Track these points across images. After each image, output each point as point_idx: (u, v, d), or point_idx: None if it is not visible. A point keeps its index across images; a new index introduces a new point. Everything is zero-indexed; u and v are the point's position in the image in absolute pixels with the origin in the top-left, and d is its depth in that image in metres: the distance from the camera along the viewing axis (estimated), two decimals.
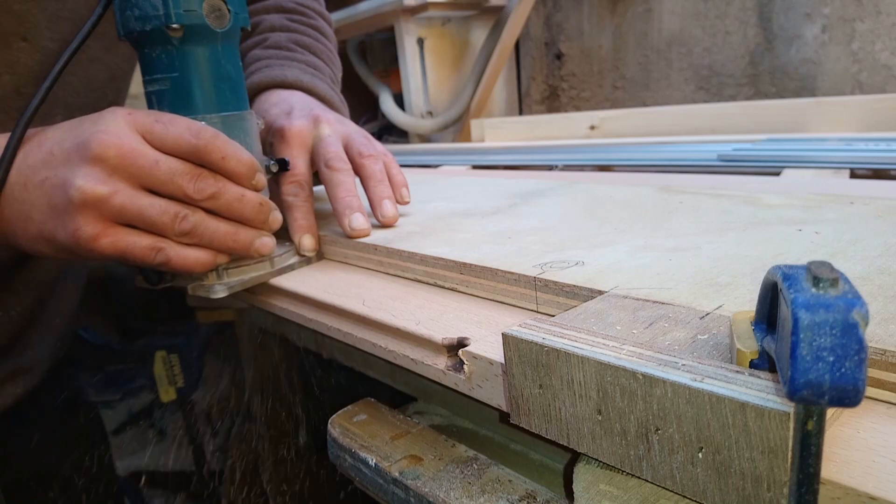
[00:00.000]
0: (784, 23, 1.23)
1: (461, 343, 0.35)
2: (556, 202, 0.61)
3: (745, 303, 0.31)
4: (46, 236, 0.44)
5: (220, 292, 0.50)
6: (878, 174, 0.70)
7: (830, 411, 0.22)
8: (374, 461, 0.39)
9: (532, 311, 0.39)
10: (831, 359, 0.18)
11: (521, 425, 0.30)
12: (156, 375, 1.34)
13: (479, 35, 1.63)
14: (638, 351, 0.25)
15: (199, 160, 0.45)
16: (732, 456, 0.22)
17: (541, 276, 0.38)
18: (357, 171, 0.57)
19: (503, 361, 0.31)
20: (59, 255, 0.46)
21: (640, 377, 0.24)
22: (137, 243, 0.44)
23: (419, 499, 0.35)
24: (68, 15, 0.54)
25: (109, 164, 0.42)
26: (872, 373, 0.26)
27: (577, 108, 1.64)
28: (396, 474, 0.37)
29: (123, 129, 0.43)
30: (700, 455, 0.23)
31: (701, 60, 1.38)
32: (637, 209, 0.54)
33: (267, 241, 0.50)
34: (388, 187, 0.57)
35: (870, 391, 0.26)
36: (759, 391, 0.21)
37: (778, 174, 0.73)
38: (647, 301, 0.33)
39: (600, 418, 0.26)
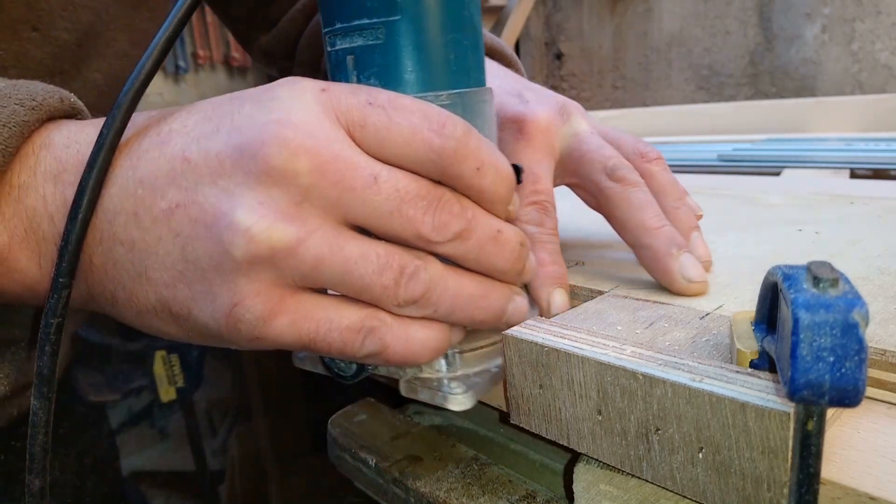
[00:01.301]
0: (784, 23, 1.23)
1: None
2: (556, 202, 0.61)
3: (745, 303, 0.31)
4: (176, 310, 0.26)
5: (464, 400, 0.30)
6: (878, 174, 0.70)
7: (830, 411, 0.22)
8: (374, 461, 0.39)
9: None
10: (831, 359, 0.18)
11: (521, 425, 0.30)
12: (156, 375, 1.34)
13: None
14: (638, 351, 0.25)
15: (439, 174, 0.26)
16: (732, 456, 0.22)
17: None
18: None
19: (503, 361, 0.31)
20: (190, 340, 0.28)
21: (641, 377, 0.24)
22: (336, 323, 0.26)
23: (419, 499, 0.35)
24: (85, 3, 0.46)
25: (299, 184, 0.24)
26: (872, 373, 0.26)
27: None
28: (396, 474, 0.37)
29: (318, 119, 0.25)
30: (700, 455, 0.23)
31: (701, 60, 1.38)
32: None
33: (521, 305, 0.30)
34: (691, 211, 0.39)
35: (870, 391, 0.26)
36: (759, 391, 0.21)
37: (778, 174, 0.73)
38: (647, 301, 0.33)
39: (600, 418, 0.26)
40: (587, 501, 0.27)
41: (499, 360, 0.32)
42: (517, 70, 0.47)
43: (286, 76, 0.28)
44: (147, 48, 0.29)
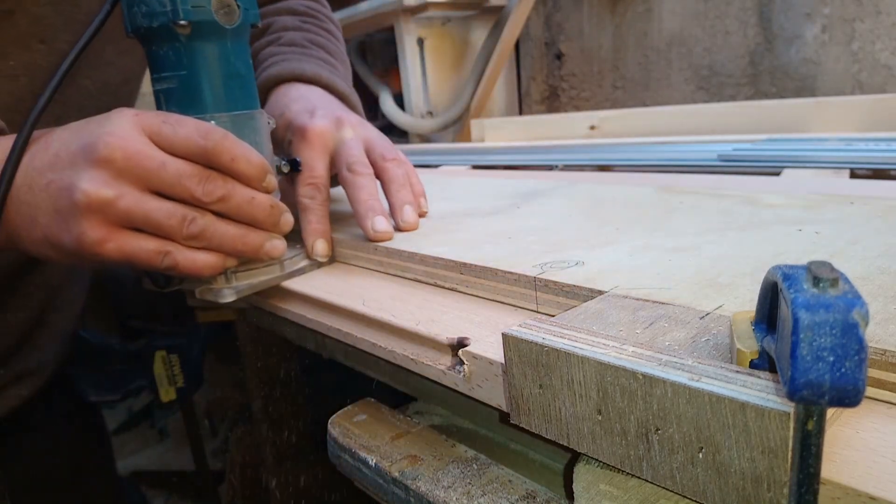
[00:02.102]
0: (784, 23, 1.23)
1: (461, 343, 0.35)
2: (556, 202, 0.61)
3: (745, 303, 0.31)
4: (51, 240, 0.43)
5: (228, 296, 0.49)
6: (878, 174, 0.70)
7: (830, 411, 0.22)
8: (374, 461, 0.39)
9: (532, 311, 0.39)
10: (831, 359, 0.18)
11: (521, 425, 0.30)
12: (156, 375, 1.34)
13: (479, 35, 1.63)
14: (638, 351, 0.25)
15: (207, 162, 0.44)
16: (732, 456, 0.22)
17: (541, 276, 0.38)
18: (379, 174, 0.56)
19: (503, 361, 0.31)
20: (64, 260, 0.45)
21: (640, 377, 0.24)
22: (144, 247, 0.43)
23: (419, 499, 0.35)
24: (83, 18, 0.54)
25: (115, 166, 0.41)
26: (872, 373, 0.26)
27: (577, 108, 1.64)
28: (396, 474, 0.37)
29: (130, 130, 0.42)
30: (700, 455, 0.23)
31: (701, 60, 1.38)
32: (637, 209, 0.54)
33: (278, 245, 0.48)
34: (409, 192, 0.56)
35: (870, 391, 0.26)
36: (759, 391, 0.21)
37: (778, 174, 0.73)
38: (647, 301, 0.33)
39: (600, 418, 0.26)
40: (587, 501, 0.27)
41: (262, 278, 0.50)
42: (344, 98, 0.64)
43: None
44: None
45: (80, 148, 0.42)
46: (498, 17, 1.53)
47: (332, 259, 0.56)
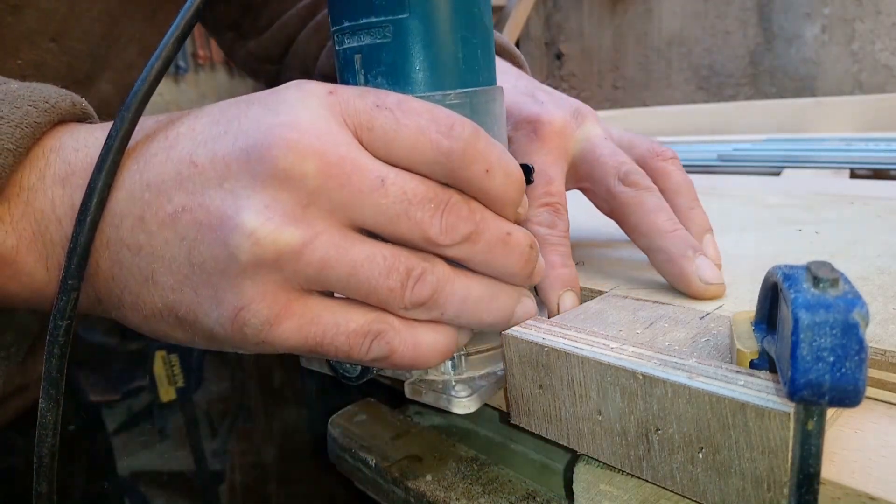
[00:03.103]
0: (784, 23, 1.24)
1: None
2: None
3: (745, 303, 0.31)
4: (182, 314, 0.26)
5: (469, 403, 0.30)
6: (878, 174, 0.70)
7: (830, 411, 0.22)
8: (374, 461, 0.39)
9: None
10: (831, 359, 0.18)
11: (521, 425, 0.30)
12: (156, 375, 1.34)
13: None
14: (638, 351, 0.25)
15: (448, 176, 0.26)
16: (732, 456, 0.22)
17: None
18: (655, 182, 0.38)
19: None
20: (197, 345, 0.28)
21: (640, 377, 0.24)
22: (342, 327, 0.26)
23: (419, 499, 0.35)
24: (98, 16, 0.48)
25: (305, 186, 0.24)
26: (872, 373, 0.26)
27: None
28: (396, 474, 0.37)
29: (325, 121, 0.25)
30: (700, 455, 0.23)
31: (701, 60, 1.38)
32: None
33: (530, 308, 0.30)
34: (705, 213, 0.38)
35: (870, 391, 0.26)
36: (759, 391, 0.21)
37: (778, 174, 0.73)
38: (647, 301, 0.33)
39: (600, 418, 0.26)
40: (587, 501, 0.27)
41: (499, 363, 0.31)
42: (525, 70, 0.47)
43: (271, 81, 0.28)
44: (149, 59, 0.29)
45: (239, 150, 0.25)
46: (498, 17, 1.53)
47: None
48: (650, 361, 0.24)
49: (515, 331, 0.29)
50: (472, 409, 0.30)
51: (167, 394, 1.35)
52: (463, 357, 0.31)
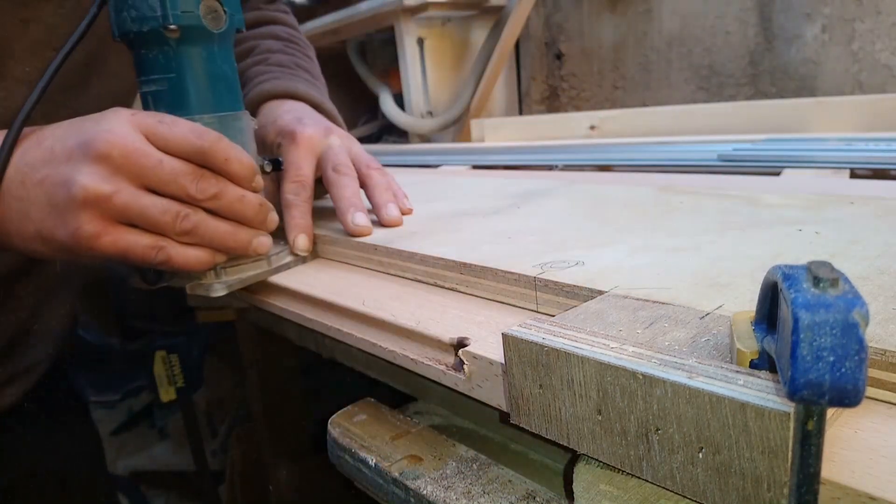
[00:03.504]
0: (784, 23, 1.23)
1: (461, 343, 0.35)
2: (556, 202, 0.61)
3: (745, 303, 0.31)
4: (45, 235, 0.43)
5: (218, 290, 0.50)
6: (878, 174, 0.70)
7: (830, 411, 0.22)
8: (374, 461, 0.39)
9: (532, 311, 0.39)
10: (831, 359, 0.18)
11: (521, 425, 0.30)
12: (156, 375, 1.34)
13: (479, 35, 1.63)
14: (638, 351, 0.25)
15: (202, 161, 0.45)
16: (732, 456, 0.22)
17: (541, 276, 0.38)
18: (363, 181, 0.60)
19: (503, 361, 0.31)
20: (56, 255, 0.45)
21: (640, 377, 0.24)
22: (139, 242, 0.44)
23: (419, 499, 0.35)
24: (92, 30, 0.55)
25: (113, 162, 0.42)
26: (872, 373, 0.26)
27: (577, 108, 1.64)
28: (396, 474, 0.37)
29: (127, 128, 0.43)
30: (700, 455, 0.23)
31: (701, 60, 1.38)
32: (637, 209, 0.54)
33: (264, 241, 0.51)
34: (392, 195, 0.59)
35: (870, 391, 0.26)
36: (759, 391, 0.21)
37: (778, 174, 0.73)
38: (647, 301, 0.33)
39: (600, 418, 0.26)
40: (587, 501, 0.27)
41: (250, 272, 0.52)
42: (330, 116, 0.68)
43: None
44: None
45: (78, 144, 0.42)
46: (498, 17, 1.53)
47: (315, 255, 0.58)
48: (650, 361, 0.24)
49: (515, 331, 0.29)
50: (221, 293, 0.50)
51: (167, 394, 1.35)
52: (221, 269, 0.51)
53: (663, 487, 0.25)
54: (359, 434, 0.42)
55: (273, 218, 0.51)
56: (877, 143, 0.79)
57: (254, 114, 0.66)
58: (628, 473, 0.26)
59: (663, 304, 0.32)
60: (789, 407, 0.20)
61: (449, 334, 0.37)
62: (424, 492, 0.35)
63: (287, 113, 0.63)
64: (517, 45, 1.71)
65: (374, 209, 0.59)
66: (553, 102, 1.71)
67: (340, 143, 0.61)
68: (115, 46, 0.50)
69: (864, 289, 0.31)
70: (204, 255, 0.47)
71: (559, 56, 1.66)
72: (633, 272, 0.37)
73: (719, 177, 0.75)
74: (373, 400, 0.46)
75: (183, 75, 0.48)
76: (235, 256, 0.51)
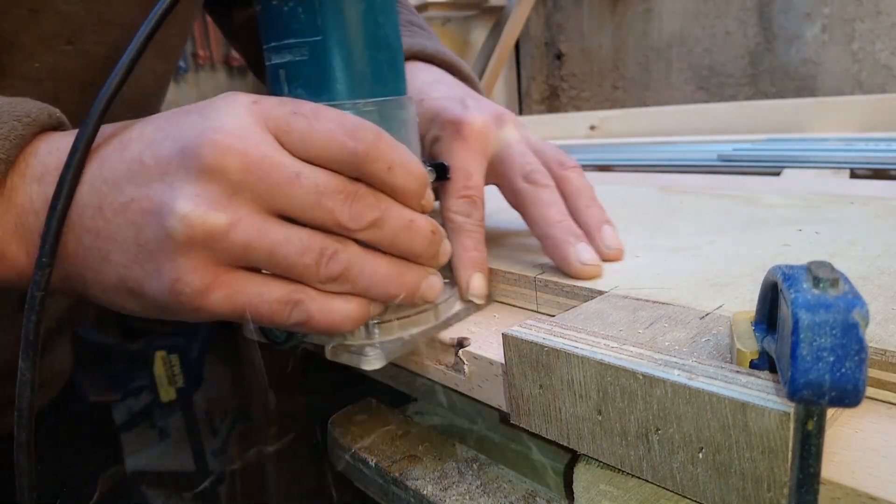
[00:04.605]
0: (784, 23, 1.23)
1: (461, 343, 0.35)
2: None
3: (745, 303, 0.31)
4: (131, 286, 0.31)
5: (375, 361, 0.35)
6: (878, 174, 0.70)
7: (830, 411, 0.22)
8: (374, 461, 0.39)
9: (532, 311, 0.39)
10: (831, 359, 0.18)
11: (521, 425, 0.30)
12: (156, 375, 1.34)
13: (479, 35, 1.63)
14: (638, 351, 0.25)
15: (355, 172, 0.31)
16: (732, 456, 0.22)
17: (541, 277, 0.38)
18: (559, 187, 0.43)
19: (503, 361, 0.31)
20: (148, 313, 0.33)
21: (640, 377, 0.24)
22: (265, 297, 0.31)
23: (419, 499, 0.35)
24: (116, 19, 0.48)
25: (229, 179, 0.29)
26: (872, 373, 0.26)
27: (577, 108, 1.64)
28: (396, 474, 0.37)
29: (247, 125, 0.30)
30: (700, 455, 0.23)
31: (701, 60, 1.38)
32: (637, 209, 0.54)
33: (435, 283, 0.35)
34: (602, 210, 0.43)
35: (870, 391, 0.26)
36: (759, 391, 0.21)
37: (778, 174, 0.73)
38: (647, 301, 0.33)
39: (600, 418, 0.26)
40: (587, 501, 0.27)
41: (413, 330, 0.37)
42: (470, 82, 0.53)
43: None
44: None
45: (177, 151, 0.30)
46: (498, 17, 1.53)
47: (489, 300, 0.43)
48: (650, 361, 0.24)
49: (515, 331, 0.29)
50: (378, 366, 0.35)
51: (167, 394, 1.35)
52: (376, 325, 0.36)
53: (663, 487, 0.25)
54: (359, 434, 0.42)
55: (447, 249, 0.36)
56: (877, 143, 0.79)
57: None
58: (628, 473, 0.26)
59: (663, 304, 0.32)
60: (789, 407, 0.20)
61: (449, 334, 0.37)
62: (424, 492, 0.35)
63: (432, 87, 0.47)
64: (517, 45, 1.71)
65: (584, 233, 0.41)
66: (553, 102, 1.71)
67: (520, 137, 0.45)
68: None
69: (864, 289, 0.31)
70: (356, 309, 0.32)
71: (559, 56, 1.66)
72: (633, 272, 0.37)
73: (719, 177, 0.75)
74: (373, 400, 0.46)
75: (333, 40, 0.33)
76: (395, 306, 0.36)
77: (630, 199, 0.58)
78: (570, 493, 0.29)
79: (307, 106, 0.31)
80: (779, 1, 1.22)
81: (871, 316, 0.20)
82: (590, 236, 0.41)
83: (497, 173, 0.44)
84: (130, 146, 0.31)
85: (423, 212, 0.34)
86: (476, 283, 0.40)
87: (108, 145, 0.32)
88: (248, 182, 0.29)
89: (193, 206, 0.28)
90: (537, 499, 0.34)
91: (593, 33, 1.56)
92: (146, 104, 0.58)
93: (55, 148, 0.32)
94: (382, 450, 0.39)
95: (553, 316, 0.32)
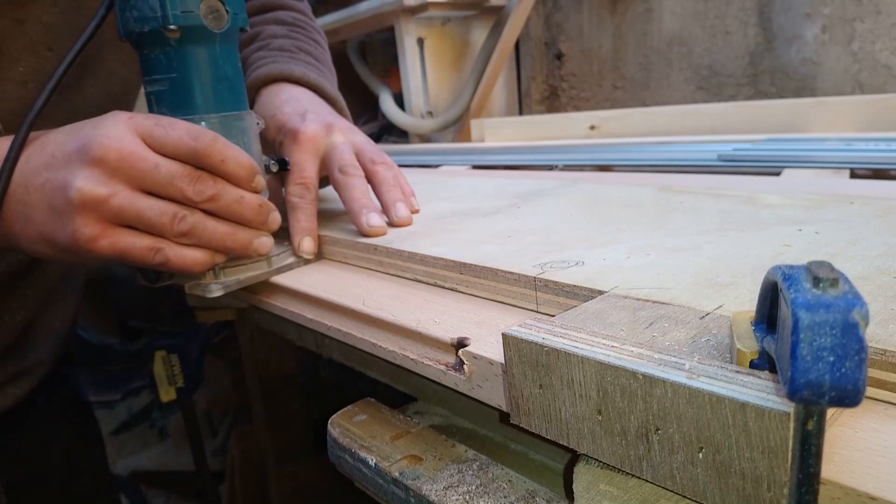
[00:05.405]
0: (784, 23, 1.23)
1: (461, 343, 0.35)
2: (556, 202, 0.61)
3: (745, 303, 0.31)
4: (46, 237, 0.44)
5: (215, 291, 0.50)
6: (878, 174, 0.70)
7: (830, 411, 0.22)
8: (374, 461, 0.39)
9: (532, 311, 0.39)
10: (831, 359, 0.18)
11: (521, 425, 0.30)
12: (156, 375, 1.34)
13: (479, 35, 1.63)
14: (638, 351, 0.25)
15: (198, 163, 0.45)
16: (732, 456, 0.22)
17: (541, 276, 0.38)
18: (369, 177, 0.59)
19: (503, 361, 0.31)
20: (59, 257, 0.46)
21: (640, 377, 0.24)
22: (136, 244, 0.45)
23: (419, 499, 0.35)
24: (85, 28, 0.56)
25: (110, 166, 0.43)
26: (872, 373, 0.26)
27: (577, 108, 1.64)
28: (396, 474, 0.37)
29: (124, 132, 0.44)
30: (700, 455, 0.23)
31: (701, 60, 1.38)
32: (637, 209, 0.54)
33: (265, 241, 0.50)
34: (400, 192, 0.59)
35: (870, 391, 0.26)
36: (759, 391, 0.21)
37: (778, 174, 0.73)
38: (647, 301, 0.33)
39: (600, 418, 0.26)
40: (587, 501, 0.27)
41: (249, 273, 0.52)
42: (329, 99, 0.66)
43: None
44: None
45: (76, 148, 0.43)
46: (498, 17, 1.53)
47: (320, 256, 0.58)
48: (650, 361, 0.24)
49: (515, 331, 0.29)
50: (217, 294, 0.50)
51: (167, 394, 1.35)
52: (220, 269, 0.51)
53: (663, 487, 0.25)
54: (359, 434, 0.42)
55: (274, 218, 0.51)
56: (877, 143, 0.79)
57: (252, 101, 0.64)
58: (628, 473, 0.26)
59: (663, 304, 0.32)
60: (789, 407, 0.20)
61: (449, 334, 0.37)
62: (424, 492, 0.35)
63: (286, 104, 0.61)
64: (517, 45, 1.71)
65: (383, 208, 0.58)
66: (553, 102, 1.71)
67: (344, 140, 0.60)
68: (112, 45, 0.50)
69: (864, 289, 0.31)
70: (202, 256, 0.47)
71: (559, 56, 1.66)
72: (633, 272, 0.37)
73: (719, 177, 0.75)
74: (373, 400, 0.46)
75: (184, 75, 0.48)
76: (236, 257, 0.51)
77: (630, 199, 0.58)
78: (570, 493, 0.29)
79: (165, 119, 0.46)
80: (779, 1, 1.22)
81: (871, 316, 0.20)
82: (386, 210, 0.57)
83: (325, 167, 0.59)
84: (47, 146, 0.45)
85: (255, 191, 0.48)
86: (306, 244, 0.55)
87: (33, 146, 0.45)
88: (123, 168, 0.43)
89: (86, 183, 0.42)
90: (537, 499, 0.34)
91: (593, 33, 1.55)
92: (118, 102, 0.64)
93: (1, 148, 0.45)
94: (382, 450, 0.39)
95: (553, 316, 0.32)
